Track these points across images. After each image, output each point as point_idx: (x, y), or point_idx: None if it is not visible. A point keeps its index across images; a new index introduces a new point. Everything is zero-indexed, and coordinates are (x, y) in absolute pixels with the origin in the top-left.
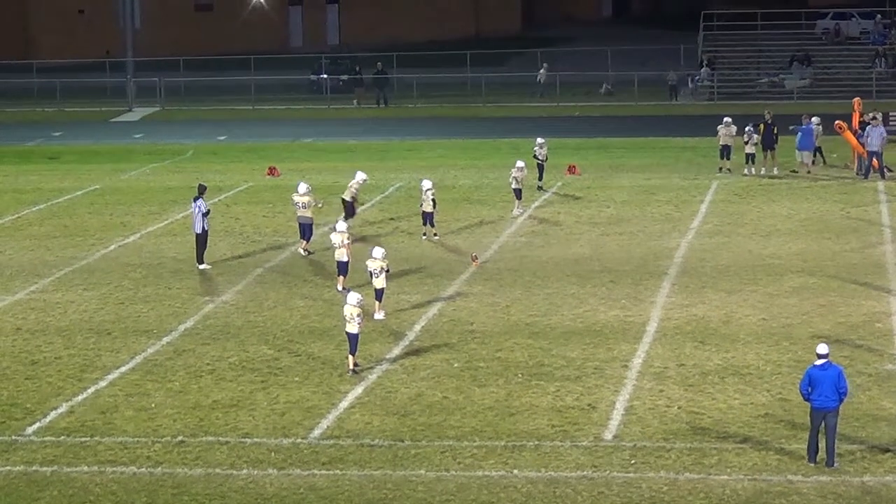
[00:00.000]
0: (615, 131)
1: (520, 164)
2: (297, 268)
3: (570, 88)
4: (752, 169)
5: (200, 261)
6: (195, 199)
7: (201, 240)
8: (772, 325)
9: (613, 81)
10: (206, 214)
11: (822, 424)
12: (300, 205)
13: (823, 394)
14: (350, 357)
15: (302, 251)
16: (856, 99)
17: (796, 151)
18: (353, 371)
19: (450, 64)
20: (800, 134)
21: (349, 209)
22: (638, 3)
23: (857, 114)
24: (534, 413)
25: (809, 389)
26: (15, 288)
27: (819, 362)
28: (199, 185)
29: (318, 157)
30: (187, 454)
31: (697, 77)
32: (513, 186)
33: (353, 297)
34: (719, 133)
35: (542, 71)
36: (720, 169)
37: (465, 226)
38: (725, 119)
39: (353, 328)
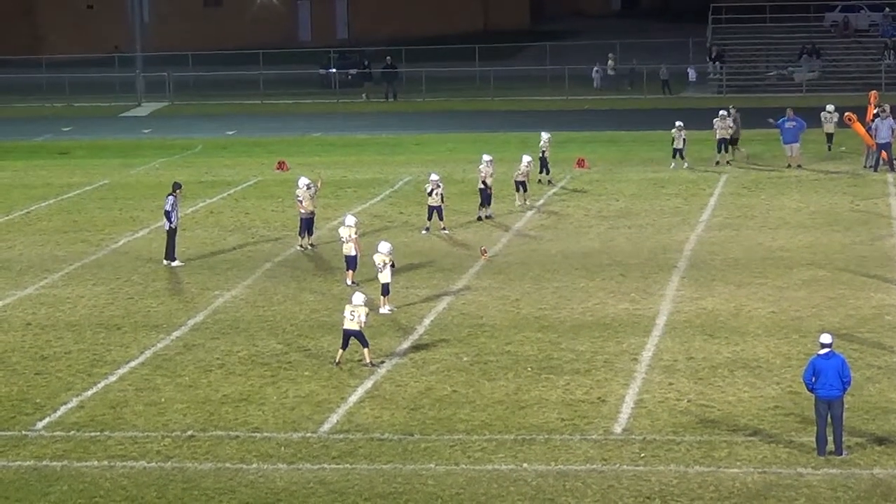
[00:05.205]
0: (624, 125)
1: (527, 158)
2: (306, 262)
3: (579, 81)
4: (718, 158)
5: (166, 257)
6: (167, 196)
7: (168, 236)
8: (781, 317)
9: (628, 74)
10: (167, 212)
11: (829, 415)
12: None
13: (828, 383)
14: (365, 350)
15: (305, 246)
16: (872, 92)
17: (783, 146)
18: (371, 364)
19: (459, 58)
20: (785, 127)
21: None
22: None
23: (872, 107)
24: (543, 406)
25: (813, 379)
26: (25, 283)
27: (822, 352)
28: (174, 182)
29: (326, 152)
30: (197, 448)
31: (693, 71)
32: (517, 180)
33: (358, 298)
34: (715, 126)
35: (610, 62)
36: (716, 162)
37: (474, 220)
38: (721, 112)
39: (352, 325)
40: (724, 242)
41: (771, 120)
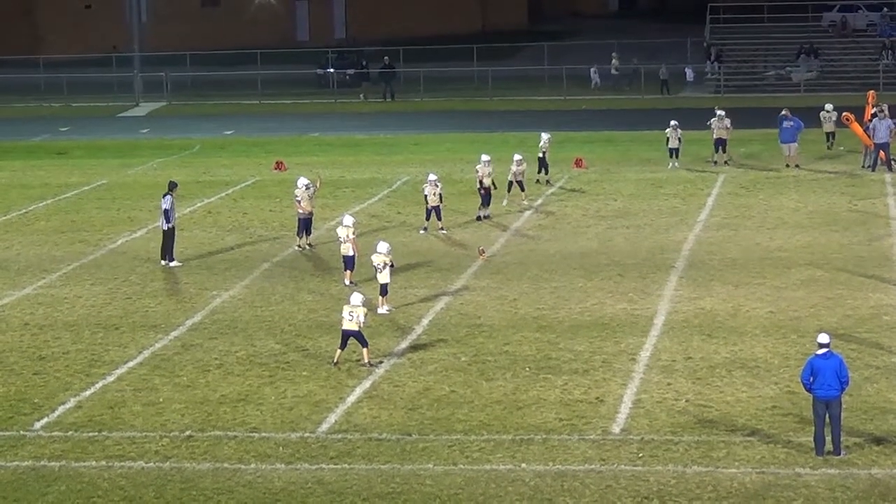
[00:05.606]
0: (622, 125)
1: (518, 157)
2: (304, 262)
3: (577, 82)
4: (716, 158)
5: (163, 257)
6: (163, 196)
7: (165, 237)
8: (779, 317)
9: (630, 73)
10: (166, 212)
11: (827, 415)
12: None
13: (826, 383)
14: (364, 350)
15: (303, 246)
16: (870, 92)
17: (781, 146)
18: (369, 364)
19: (456, 58)
20: (783, 127)
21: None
22: None
23: (870, 106)
24: (541, 407)
25: (811, 379)
26: (23, 283)
27: (820, 352)
28: (170, 181)
29: (324, 152)
30: (195, 449)
31: (690, 71)
32: (517, 179)
33: (356, 298)
34: (712, 126)
35: (614, 62)
36: (714, 162)
37: (471, 220)
38: (719, 113)
39: (351, 325)
40: (722, 242)
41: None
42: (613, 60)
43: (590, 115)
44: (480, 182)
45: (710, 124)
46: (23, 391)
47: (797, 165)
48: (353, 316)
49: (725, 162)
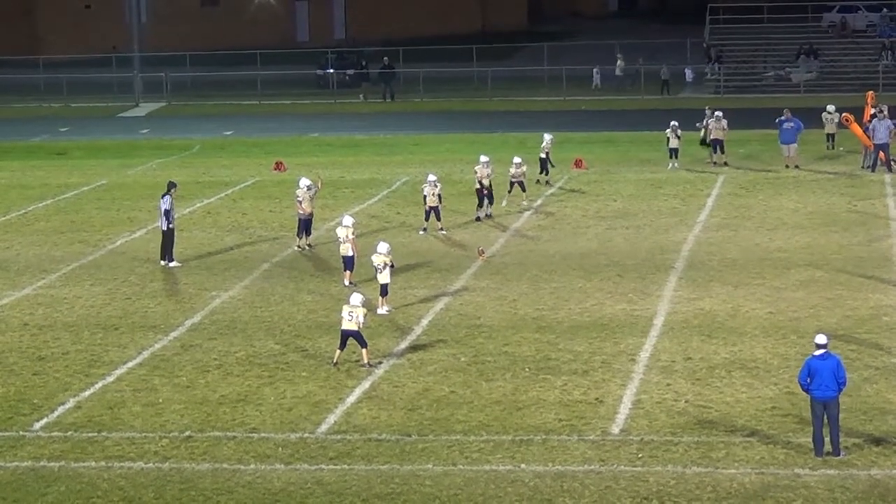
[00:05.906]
0: (621, 125)
1: (517, 160)
2: (304, 263)
3: (577, 82)
4: (715, 158)
5: (163, 257)
6: (162, 196)
7: (165, 237)
8: (779, 318)
9: (634, 74)
10: (166, 212)
11: (825, 415)
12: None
13: (823, 384)
14: (364, 351)
15: (303, 246)
16: (869, 92)
17: (780, 146)
18: (369, 364)
19: (456, 58)
20: (783, 128)
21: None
22: None
23: (869, 107)
24: (541, 407)
25: (809, 380)
26: (22, 283)
27: (818, 352)
28: (168, 181)
29: (324, 152)
30: (195, 449)
31: (690, 71)
32: (519, 180)
33: (355, 298)
34: (709, 127)
35: (619, 63)
36: (714, 163)
37: (471, 220)
38: (717, 113)
39: (350, 326)
40: (721, 243)
41: (778, 119)
42: (619, 61)
43: (589, 116)
44: (480, 183)
45: (707, 125)
46: (22, 391)
47: (797, 166)
48: (352, 316)
49: (725, 163)
